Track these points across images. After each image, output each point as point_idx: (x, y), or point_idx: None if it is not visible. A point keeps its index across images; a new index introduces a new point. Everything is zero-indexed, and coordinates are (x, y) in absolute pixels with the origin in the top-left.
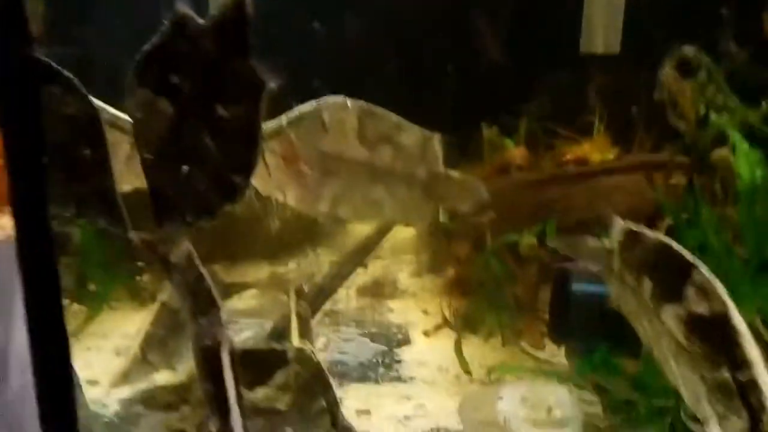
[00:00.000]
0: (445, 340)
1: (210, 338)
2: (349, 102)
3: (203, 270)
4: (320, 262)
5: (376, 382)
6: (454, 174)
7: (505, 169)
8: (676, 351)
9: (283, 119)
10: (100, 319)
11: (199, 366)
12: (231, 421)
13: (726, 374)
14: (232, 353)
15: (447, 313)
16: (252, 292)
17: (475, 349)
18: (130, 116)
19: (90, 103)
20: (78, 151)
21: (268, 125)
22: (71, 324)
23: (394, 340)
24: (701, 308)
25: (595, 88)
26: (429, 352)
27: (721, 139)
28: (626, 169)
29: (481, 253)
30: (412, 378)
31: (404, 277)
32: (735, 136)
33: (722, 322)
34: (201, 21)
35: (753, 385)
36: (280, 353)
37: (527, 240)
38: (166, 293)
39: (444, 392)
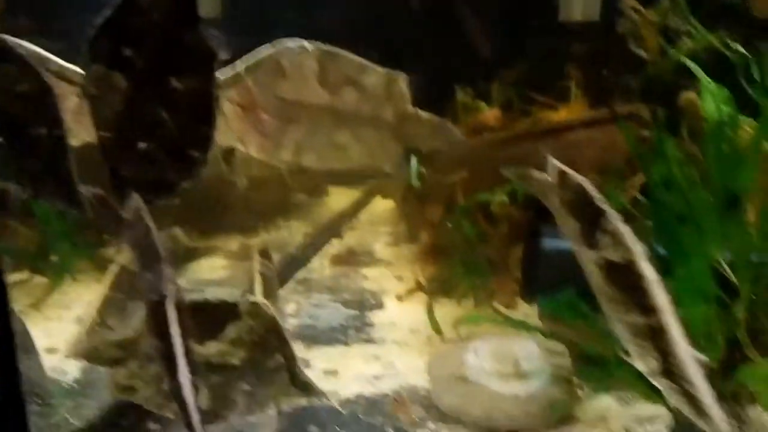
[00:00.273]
0: (418, 304)
1: (155, 292)
2: (308, 45)
3: (152, 224)
4: (293, 234)
5: (346, 344)
6: (423, 114)
7: (479, 131)
8: (599, 291)
9: (240, 66)
10: (63, 290)
11: (147, 321)
12: (179, 377)
13: (638, 318)
14: (180, 307)
15: (420, 278)
16: (223, 263)
17: (447, 311)
18: (85, 94)
19: (44, 81)
20: (33, 131)
21: (224, 73)
22: (32, 295)
23: (366, 305)
24: (612, 255)
25: (574, 55)
26: (401, 315)
27: (684, 71)
28: (595, 123)
29: (453, 214)
30: (382, 340)
31: (380, 247)
32: (700, 74)
33: (632, 268)
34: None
35: (661, 329)
36: (231, 306)
37: (498, 198)
38: (125, 256)
39: (415, 352)
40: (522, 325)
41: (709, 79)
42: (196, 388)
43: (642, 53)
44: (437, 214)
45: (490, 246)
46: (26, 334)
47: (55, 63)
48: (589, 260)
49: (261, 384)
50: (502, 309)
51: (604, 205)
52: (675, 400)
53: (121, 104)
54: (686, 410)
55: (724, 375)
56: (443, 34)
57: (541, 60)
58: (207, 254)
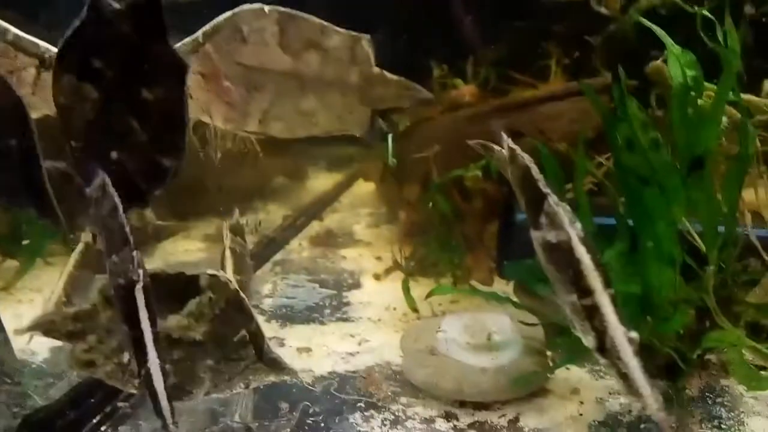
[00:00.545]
0: (395, 282)
1: (123, 276)
2: (266, 8)
3: (118, 202)
4: (271, 218)
5: (322, 323)
6: (388, 75)
7: (455, 107)
8: (545, 270)
9: (198, 34)
10: (35, 274)
11: (116, 305)
12: (149, 364)
13: (577, 298)
14: (147, 292)
15: (398, 257)
16: (200, 245)
17: (425, 289)
18: (55, 103)
19: (14, 92)
20: (4, 142)
21: (183, 42)
22: (3, 278)
23: (344, 285)
24: (551, 237)
25: (554, 34)
26: (378, 294)
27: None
28: (566, 95)
29: (429, 192)
30: (358, 318)
31: (360, 229)
32: (666, 39)
33: (569, 251)
34: (116, 5)
35: (595, 310)
36: (192, 279)
37: (472, 173)
38: (89, 234)
39: (390, 330)
40: (493, 296)
41: (673, 43)
42: (164, 374)
43: (603, 10)
44: (414, 193)
45: (466, 223)
46: None
47: (12, 33)
48: (535, 239)
49: (227, 360)
50: (479, 287)
51: (546, 189)
52: (612, 374)
53: (92, 114)
54: (620, 385)
55: (693, 343)
56: (422, 12)
57: (520, 39)
58: (181, 235)
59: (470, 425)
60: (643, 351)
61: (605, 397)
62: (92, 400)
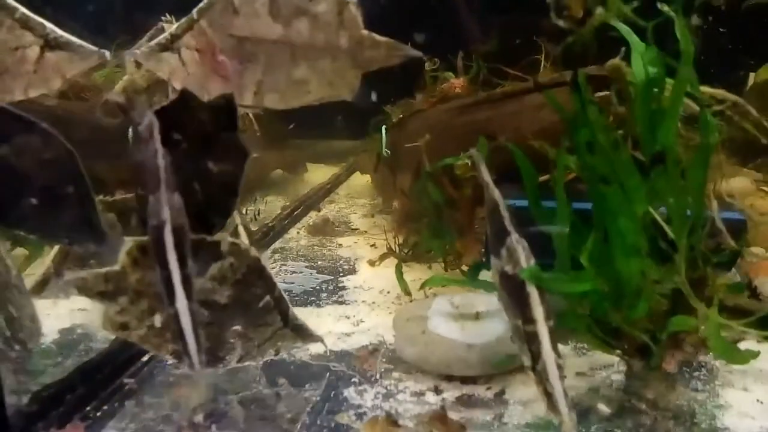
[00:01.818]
0: (389, 268)
1: (156, 217)
2: None
3: (160, 147)
4: (270, 208)
5: (318, 306)
6: (377, 36)
7: (446, 99)
8: (498, 294)
9: (193, 11)
10: (43, 261)
11: (151, 246)
12: (176, 303)
13: (519, 323)
14: (179, 234)
15: (392, 244)
16: None
17: (418, 274)
18: (131, 158)
19: (66, 146)
20: (63, 189)
21: (179, 23)
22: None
23: (340, 271)
24: (508, 268)
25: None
26: (372, 279)
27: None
28: (552, 86)
29: (421, 180)
30: (354, 301)
31: (356, 218)
32: (630, 36)
33: (521, 284)
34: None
35: (534, 336)
36: (213, 244)
37: (462, 161)
38: None
39: (384, 312)
40: (482, 285)
41: (637, 39)
42: (194, 315)
43: (561, 23)
44: (407, 182)
45: (457, 210)
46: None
47: (20, 11)
48: (493, 266)
49: (254, 326)
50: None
51: (510, 226)
52: (539, 391)
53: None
54: (545, 402)
55: (665, 324)
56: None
57: (511, 33)
58: None
59: (458, 398)
60: (616, 334)
61: (587, 371)
62: (99, 377)
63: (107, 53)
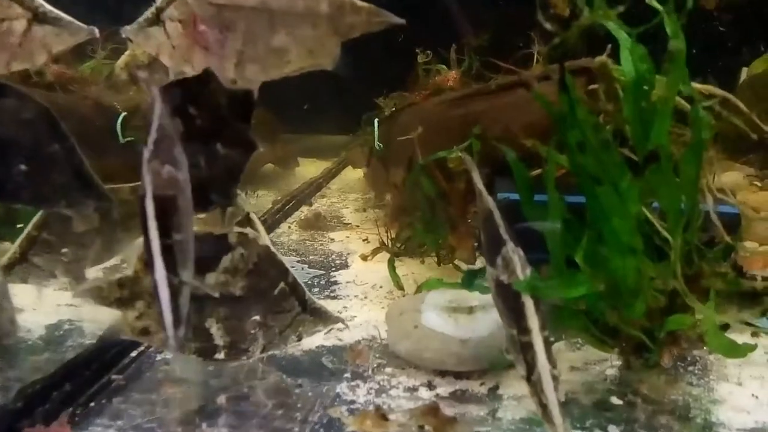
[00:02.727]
0: (382, 263)
1: (141, 188)
2: None
3: (156, 121)
4: (261, 202)
5: None
6: (358, 1)
7: (438, 92)
8: (494, 303)
9: None
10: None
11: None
12: (155, 274)
13: (515, 333)
14: (162, 203)
15: (384, 238)
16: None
17: (411, 269)
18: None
19: (41, 104)
20: (48, 149)
21: None
22: None
23: (332, 265)
24: (504, 277)
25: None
26: (365, 273)
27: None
28: (546, 78)
29: (413, 173)
30: (346, 296)
31: (348, 213)
32: (618, 33)
33: (516, 294)
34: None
35: (529, 347)
36: (221, 237)
37: (454, 155)
38: None
39: (376, 306)
40: (477, 287)
41: (627, 36)
42: (174, 288)
43: (547, 25)
44: (400, 176)
45: (449, 203)
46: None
47: None
48: (489, 275)
49: (273, 314)
50: (462, 265)
51: (505, 235)
52: (534, 402)
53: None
54: (539, 412)
55: (662, 322)
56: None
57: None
58: None
59: (451, 393)
60: (613, 332)
61: (581, 366)
62: (87, 373)
63: (96, 30)
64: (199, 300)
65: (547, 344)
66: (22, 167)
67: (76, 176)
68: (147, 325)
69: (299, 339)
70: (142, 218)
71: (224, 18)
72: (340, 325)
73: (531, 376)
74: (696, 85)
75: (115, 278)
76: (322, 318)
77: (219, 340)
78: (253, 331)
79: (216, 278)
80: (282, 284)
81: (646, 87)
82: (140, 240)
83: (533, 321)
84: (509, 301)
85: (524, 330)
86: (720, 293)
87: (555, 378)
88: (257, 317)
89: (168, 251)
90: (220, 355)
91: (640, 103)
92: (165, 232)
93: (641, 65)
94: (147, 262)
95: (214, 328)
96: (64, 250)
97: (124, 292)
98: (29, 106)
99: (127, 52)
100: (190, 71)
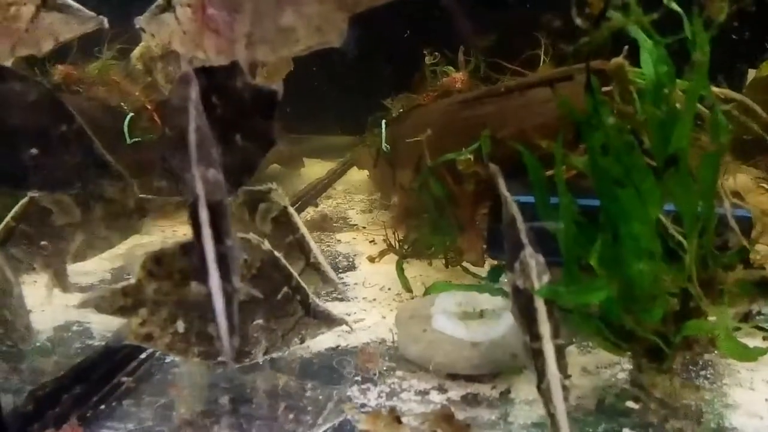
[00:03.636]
0: (389, 265)
1: (191, 193)
2: None
3: (201, 119)
4: None
5: None
6: None
7: (447, 94)
8: (511, 308)
9: None
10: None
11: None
12: (210, 281)
13: (528, 340)
14: (214, 209)
15: (392, 240)
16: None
17: (419, 270)
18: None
19: (44, 85)
20: (57, 130)
21: None
22: None
23: (339, 267)
24: (519, 282)
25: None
26: (372, 275)
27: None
28: (555, 80)
29: (422, 175)
30: (354, 298)
31: (354, 214)
32: (638, 34)
33: (530, 299)
34: (249, 80)
35: (540, 354)
36: None
37: (464, 156)
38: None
39: (385, 309)
40: (488, 288)
41: (646, 38)
42: (229, 296)
43: (579, 22)
44: (407, 178)
45: (458, 205)
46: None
47: None
48: (508, 279)
49: (276, 318)
50: (471, 268)
51: (525, 239)
52: (545, 411)
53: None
54: (548, 423)
55: (677, 327)
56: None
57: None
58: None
59: (463, 397)
60: (628, 337)
61: (592, 370)
62: (96, 375)
63: (105, 20)
64: (203, 305)
65: (560, 352)
66: (33, 152)
67: (89, 156)
68: (150, 331)
69: (302, 341)
70: (194, 226)
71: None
72: (349, 327)
73: (541, 384)
74: (714, 89)
75: (118, 287)
76: (326, 320)
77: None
78: (255, 335)
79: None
80: (286, 288)
81: (666, 90)
82: (141, 248)
83: (545, 328)
84: (524, 307)
85: (535, 336)
86: (732, 287)
87: (565, 388)
88: (260, 321)
89: (222, 258)
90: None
91: (659, 106)
92: (218, 239)
93: (661, 67)
94: (196, 270)
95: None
96: (43, 242)
97: (128, 301)
98: (32, 88)
99: (141, 44)
100: (201, 56)
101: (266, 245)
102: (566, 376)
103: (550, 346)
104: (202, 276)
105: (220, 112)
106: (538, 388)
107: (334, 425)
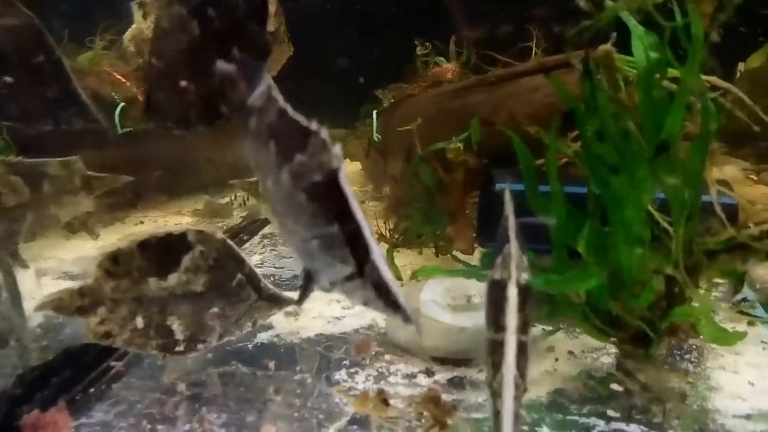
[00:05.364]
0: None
1: (318, 171)
2: None
3: (285, 104)
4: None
5: None
6: None
7: (437, 84)
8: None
9: None
10: (28, 245)
11: (319, 205)
12: (371, 253)
13: (491, 334)
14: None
15: (383, 230)
16: (189, 220)
17: (409, 259)
18: (156, 23)
19: (24, 11)
20: (33, 61)
21: None
22: None
23: None
24: (497, 274)
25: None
26: None
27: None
28: (546, 69)
29: (412, 164)
30: None
31: None
32: (630, 21)
33: (503, 289)
34: None
35: (499, 345)
36: (180, 237)
37: (453, 145)
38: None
39: None
40: (473, 274)
41: (637, 24)
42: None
43: (583, 5)
44: (398, 168)
45: (448, 194)
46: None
47: None
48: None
49: (230, 304)
50: (461, 256)
51: (511, 233)
52: (489, 409)
53: (182, 45)
54: (492, 422)
55: (663, 313)
56: None
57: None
58: (172, 210)
59: (450, 380)
60: (614, 323)
61: (578, 354)
62: (86, 359)
63: None
64: (162, 300)
65: (522, 350)
66: (7, 80)
67: (64, 92)
68: (109, 329)
69: (254, 325)
70: (332, 203)
71: None
72: (338, 313)
73: (493, 381)
74: (704, 77)
75: (75, 288)
76: (277, 302)
77: (179, 335)
78: (211, 323)
79: (179, 278)
80: (239, 275)
81: (657, 75)
82: (96, 251)
83: (512, 319)
84: (494, 298)
85: (500, 327)
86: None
87: (518, 387)
88: (216, 309)
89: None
90: (180, 348)
91: (650, 93)
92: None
93: (652, 54)
94: (353, 252)
95: (176, 325)
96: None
97: (85, 301)
98: (13, 11)
99: (133, 26)
100: None
101: (220, 235)
102: (523, 377)
103: (513, 339)
104: (360, 255)
105: (216, 25)
106: (489, 385)
107: (321, 408)
